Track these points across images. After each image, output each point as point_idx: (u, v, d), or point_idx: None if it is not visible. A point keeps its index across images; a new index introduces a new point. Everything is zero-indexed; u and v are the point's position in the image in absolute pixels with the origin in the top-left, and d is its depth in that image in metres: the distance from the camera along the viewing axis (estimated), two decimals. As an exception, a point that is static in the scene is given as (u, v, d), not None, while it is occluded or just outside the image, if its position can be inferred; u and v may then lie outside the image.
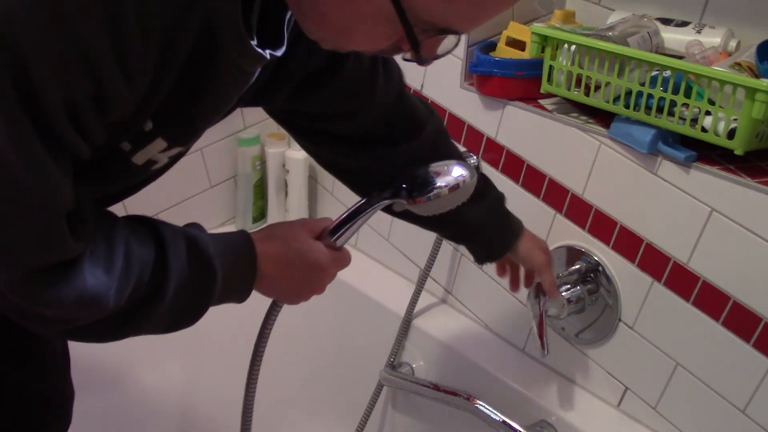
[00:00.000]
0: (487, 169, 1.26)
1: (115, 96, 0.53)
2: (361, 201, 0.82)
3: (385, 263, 1.54)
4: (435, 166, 0.81)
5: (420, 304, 1.38)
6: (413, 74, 1.34)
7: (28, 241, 0.54)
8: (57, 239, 0.55)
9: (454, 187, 0.78)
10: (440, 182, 0.78)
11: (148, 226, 0.67)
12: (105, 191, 0.70)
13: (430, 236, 1.35)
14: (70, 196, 0.56)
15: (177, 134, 0.66)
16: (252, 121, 1.64)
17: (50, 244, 0.55)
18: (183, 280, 0.66)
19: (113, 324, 0.64)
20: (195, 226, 0.71)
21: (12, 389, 0.86)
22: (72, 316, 0.60)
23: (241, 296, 0.74)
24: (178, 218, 1.84)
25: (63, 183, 0.54)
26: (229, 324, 1.50)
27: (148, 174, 0.70)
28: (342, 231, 0.80)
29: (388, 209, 0.84)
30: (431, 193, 0.78)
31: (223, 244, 0.71)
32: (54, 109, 0.50)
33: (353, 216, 0.80)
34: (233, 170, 1.64)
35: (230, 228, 1.67)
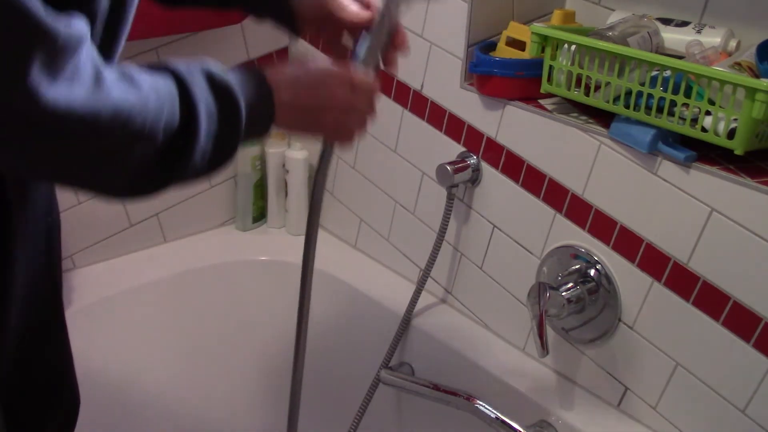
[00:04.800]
0: (488, 169, 1.26)
1: None
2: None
3: (385, 263, 1.54)
4: None
5: (420, 304, 1.38)
6: (413, 75, 1.35)
7: None
8: (20, 10, 0.50)
9: None
10: None
11: (157, 66, 0.66)
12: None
13: (430, 236, 1.35)
14: None
15: None
16: (252, 121, 1.63)
17: (15, 19, 0.50)
18: (210, 107, 0.65)
19: (159, 166, 0.63)
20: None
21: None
22: (110, 138, 0.58)
23: (263, 124, 0.72)
24: (178, 219, 1.83)
25: None
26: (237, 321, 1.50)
27: None
28: (356, 49, 0.79)
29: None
30: None
31: (234, 74, 0.70)
32: None
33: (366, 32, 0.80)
34: (233, 170, 1.64)
35: (229, 228, 1.68)
